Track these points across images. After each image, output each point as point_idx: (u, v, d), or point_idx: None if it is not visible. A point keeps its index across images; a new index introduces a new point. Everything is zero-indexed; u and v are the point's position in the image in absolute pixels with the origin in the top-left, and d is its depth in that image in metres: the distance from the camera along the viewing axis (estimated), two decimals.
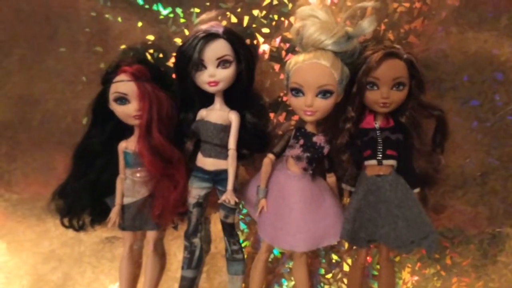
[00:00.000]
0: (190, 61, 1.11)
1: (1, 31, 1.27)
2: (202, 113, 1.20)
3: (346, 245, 1.36)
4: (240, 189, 1.23)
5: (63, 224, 1.25)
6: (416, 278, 1.35)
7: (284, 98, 1.27)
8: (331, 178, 1.21)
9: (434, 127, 1.17)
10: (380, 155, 1.14)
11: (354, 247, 1.32)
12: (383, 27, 1.20)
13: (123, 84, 1.14)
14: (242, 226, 1.37)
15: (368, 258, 1.31)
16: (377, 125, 1.15)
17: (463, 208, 1.32)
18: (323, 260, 1.38)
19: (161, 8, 1.24)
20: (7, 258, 1.39)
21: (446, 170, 1.27)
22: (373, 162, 1.14)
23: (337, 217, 1.17)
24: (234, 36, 1.14)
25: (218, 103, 1.18)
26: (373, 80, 1.09)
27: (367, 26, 1.06)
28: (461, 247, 1.34)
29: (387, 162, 1.14)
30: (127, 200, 1.22)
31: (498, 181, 1.30)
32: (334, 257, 1.37)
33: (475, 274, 1.34)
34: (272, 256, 1.35)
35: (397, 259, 1.36)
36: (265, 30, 1.24)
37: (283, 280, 1.39)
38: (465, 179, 1.30)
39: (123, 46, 1.26)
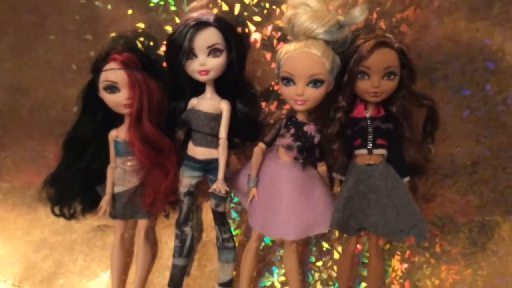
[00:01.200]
0: (180, 49, 1.11)
1: None
2: (193, 102, 1.19)
3: (337, 233, 1.37)
4: (231, 178, 1.24)
5: (53, 213, 1.26)
6: (405, 265, 1.36)
7: (276, 87, 1.27)
8: (322, 167, 1.21)
9: (424, 116, 1.17)
10: (371, 144, 1.14)
11: (345, 235, 1.33)
12: (375, 15, 1.19)
13: (113, 73, 1.13)
14: (234, 214, 1.37)
15: (358, 246, 1.32)
16: (367, 114, 1.15)
17: (453, 196, 1.33)
18: (314, 248, 1.39)
19: None
20: None
21: (437, 159, 1.27)
22: (364, 151, 1.15)
23: (328, 206, 1.18)
24: (225, 25, 1.14)
25: (209, 92, 1.18)
26: (364, 69, 1.09)
27: (358, 14, 1.06)
28: (451, 235, 1.35)
29: (377, 151, 1.14)
30: (118, 189, 1.22)
31: (488, 170, 1.30)
32: (325, 245, 1.38)
33: (464, 262, 1.35)
34: (263, 244, 1.36)
35: (387, 246, 1.37)
36: (257, 19, 1.23)
37: (273, 268, 1.39)
38: (455, 168, 1.30)
39: (113, 34, 1.25)
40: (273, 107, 1.29)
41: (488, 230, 1.35)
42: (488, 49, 1.20)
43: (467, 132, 1.28)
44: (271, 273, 1.39)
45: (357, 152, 1.16)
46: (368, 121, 1.15)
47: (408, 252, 1.37)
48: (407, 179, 1.17)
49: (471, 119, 1.26)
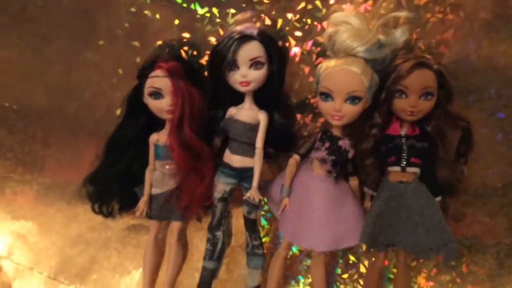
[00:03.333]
0: (224, 61, 1.15)
1: (43, 23, 1.32)
2: (232, 111, 1.23)
3: (364, 247, 1.38)
4: (264, 187, 1.26)
5: (93, 210, 1.31)
6: (431, 283, 1.37)
7: (312, 100, 1.30)
8: (354, 182, 1.24)
9: (459, 137, 1.18)
10: (404, 162, 1.16)
11: (371, 250, 1.34)
12: (414, 36, 1.21)
13: (159, 80, 1.18)
14: (263, 222, 1.40)
15: (385, 261, 1.34)
16: (403, 132, 1.17)
17: (482, 218, 1.33)
18: (340, 260, 1.41)
19: (198, 8, 1.28)
20: (37, 239, 1.46)
21: (468, 180, 1.27)
22: (397, 168, 1.16)
23: (358, 220, 1.20)
24: (267, 39, 1.17)
25: (248, 102, 1.22)
26: (402, 89, 1.11)
27: (399, 36, 1.08)
28: (478, 256, 1.36)
29: (410, 169, 1.16)
30: (155, 191, 1.27)
31: None
32: (352, 258, 1.40)
33: (490, 284, 1.36)
34: (290, 253, 1.39)
35: (414, 264, 1.38)
36: (298, 33, 1.27)
37: (299, 277, 1.42)
38: (486, 190, 1.31)
39: (159, 42, 1.30)
40: (308, 119, 1.32)
41: None
42: None
43: (499, 155, 1.28)
44: (297, 282, 1.42)
45: (390, 169, 1.18)
46: (403, 139, 1.17)
47: (434, 270, 1.38)
48: (439, 198, 1.18)
49: (504, 142, 1.27)
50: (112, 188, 1.30)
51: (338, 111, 1.11)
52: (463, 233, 1.35)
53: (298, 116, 1.32)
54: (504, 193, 1.32)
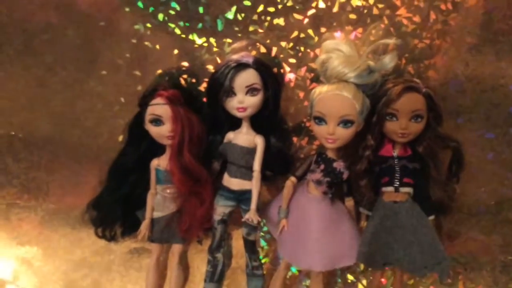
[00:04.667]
0: (221, 88, 1.19)
1: (48, 54, 1.37)
2: (230, 136, 1.27)
3: (362, 266, 1.40)
4: (262, 208, 1.29)
5: (96, 234, 1.34)
6: None
7: (307, 124, 1.34)
8: (349, 202, 1.27)
9: (450, 157, 1.22)
10: (398, 183, 1.19)
11: (369, 269, 1.37)
12: (403, 61, 1.26)
13: (159, 107, 1.22)
14: (263, 243, 1.43)
15: (383, 280, 1.36)
16: (395, 153, 1.21)
17: (476, 235, 1.36)
18: (339, 280, 1.43)
19: (196, 38, 1.33)
20: (41, 264, 1.48)
21: (461, 198, 1.31)
22: (391, 189, 1.20)
23: (354, 240, 1.22)
24: (263, 66, 1.22)
25: (245, 127, 1.26)
26: (392, 112, 1.15)
27: (388, 61, 1.13)
28: (474, 273, 1.38)
29: (403, 189, 1.19)
30: (157, 214, 1.30)
31: (511, 210, 1.34)
32: (350, 277, 1.42)
33: None
34: (289, 273, 1.41)
35: (411, 282, 1.40)
36: (292, 60, 1.31)
37: None
38: (479, 207, 1.34)
39: (159, 71, 1.35)
40: (304, 142, 1.36)
41: (511, 270, 1.37)
42: None
43: (491, 174, 1.32)
44: None
45: (384, 189, 1.21)
46: (396, 160, 1.20)
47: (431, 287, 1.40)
48: (432, 217, 1.21)
49: (495, 161, 1.31)
50: (114, 212, 1.33)
51: (332, 135, 1.14)
52: (458, 251, 1.37)
53: (295, 139, 1.36)
54: (497, 211, 1.35)
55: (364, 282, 1.41)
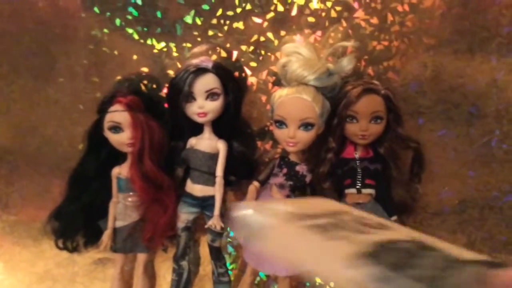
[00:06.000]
0: (181, 93, 1.18)
1: (4, 62, 1.35)
2: (192, 142, 1.26)
3: None
4: (227, 214, 1.28)
5: (57, 246, 1.30)
6: None
7: (271, 127, 1.34)
8: None
9: (411, 158, 1.23)
10: (359, 184, 1.19)
11: None
12: (363, 63, 1.26)
13: (118, 114, 1.20)
14: (230, 249, 1.42)
15: None
16: (357, 155, 1.21)
17: (442, 234, 1.36)
18: (308, 283, 1.43)
19: (155, 43, 1.31)
20: (3, 277, 1.45)
21: (425, 198, 1.32)
22: (353, 190, 1.20)
23: None
24: (222, 70, 1.21)
25: (207, 133, 1.25)
26: (352, 114, 1.16)
27: (346, 64, 1.13)
28: None
29: (365, 190, 1.19)
30: (119, 224, 1.27)
31: (475, 209, 1.34)
32: (318, 280, 1.42)
33: None
34: (258, 279, 1.40)
35: None
36: (253, 64, 1.31)
37: None
38: (443, 207, 1.34)
39: (118, 77, 1.33)
40: (268, 146, 1.35)
41: None
42: (471, 94, 1.26)
43: (454, 173, 1.32)
44: None
45: (346, 191, 1.21)
46: (357, 161, 1.21)
47: None
48: (394, 217, 1.21)
49: (457, 160, 1.32)
50: (76, 222, 1.29)
51: (292, 138, 1.14)
52: None
53: (259, 143, 1.35)
54: (462, 210, 1.35)
55: (332, 284, 1.41)
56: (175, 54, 1.32)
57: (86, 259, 1.43)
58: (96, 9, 1.30)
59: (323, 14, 1.25)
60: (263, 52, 1.30)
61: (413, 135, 1.23)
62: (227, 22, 1.29)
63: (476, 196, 1.34)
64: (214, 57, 1.30)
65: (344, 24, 1.25)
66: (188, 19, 1.29)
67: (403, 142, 1.21)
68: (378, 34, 1.25)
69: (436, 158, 1.30)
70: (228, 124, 1.25)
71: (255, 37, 1.29)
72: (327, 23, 1.26)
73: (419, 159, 1.22)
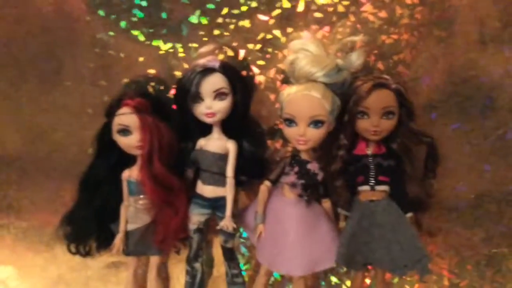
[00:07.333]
0: (188, 94, 1.17)
1: (11, 68, 1.35)
2: (201, 143, 1.25)
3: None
4: (239, 214, 1.28)
5: (69, 250, 1.30)
6: None
7: (280, 126, 1.32)
8: (326, 203, 1.24)
9: (425, 153, 1.20)
10: (373, 181, 1.18)
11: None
12: (373, 58, 1.24)
13: (126, 117, 1.19)
14: (243, 249, 1.41)
15: (368, 280, 1.34)
16: (369, 151, 1.19)
17: (458, 230, 1.34)
18: (323, 283, 1.41)
19: (161, 44, 1.31)
20: (17, 283, 1.45)
21: (440, 193, 1.29)
22: (366, 187, 1.18)
23: (333, 242, 1.20)
24: (230, 70, 1.20)
25: (216, 133, 1.24)
26: (363, 110, 1.14)
27: (355, 59, 1.11)
28: (458, 268, 1.36)
29: (379, 187, 1.17)
30: (130, 227, 1.26)
31: (492, 203, 1.32)
32: (333, 279, 1.40)
33: None
34: (272, 279, 1.39)
35: (395, 280, 1.38)
36: (260, 62, 1.30)
37: None
38: (459, 202, 1.33)
39: (126, 80, 1.32)
40: (278, 145, 1.34)
41: (495, 263, 1.36)
42: (484, 86, 1.24)
43: (469, 167, 1.30)
44: None
45: (360, 188, 1.19)
46: (370, 158, 1.19)
47: (416, 286, 1.38)
48: (410, 214, 1.19)
49: (472, 154, 1.29)
50: (88, 226, 1.29)
51: (302, 136, 1.13)
52: (441, 247, 1.35)
53: (269, 142, 1.34)
54: (478, 204, 1.33)
55: (348, 283, 1.39)
56: (181, 54, 1.31)
57: (99, 263, 1.43)
58: (101, 12, 1.30)
59: (330, 9, 1.24)
60: (270, 50, 1.29)
61: (426, 129, 1.21)
62: (233, 20, 1.28)
63: (492, 190, 1.32)
64: (221, 56, 1.28)
65: (352, 18, 1.23)
66: (194, 19, 1.28)
67: (416, 137, 1.19)
68: (387, 27, 1.23)
69: (450, 152, 1.28)
70: (237, 123, 1.24)
71: (261, 35, 1.28)
72: (334, 18, 1.24)
73: (433, 154, 1.20)
